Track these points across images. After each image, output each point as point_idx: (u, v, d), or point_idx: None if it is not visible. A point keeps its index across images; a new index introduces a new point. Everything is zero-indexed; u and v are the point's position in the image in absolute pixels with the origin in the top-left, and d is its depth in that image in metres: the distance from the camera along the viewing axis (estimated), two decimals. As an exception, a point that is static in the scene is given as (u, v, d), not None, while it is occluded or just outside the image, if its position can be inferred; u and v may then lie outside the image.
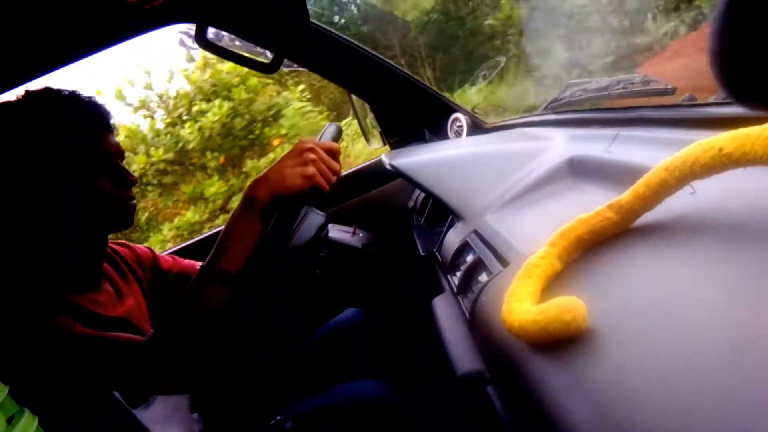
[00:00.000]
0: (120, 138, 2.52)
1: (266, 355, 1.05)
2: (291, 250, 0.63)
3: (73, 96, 0.66)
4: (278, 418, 0.81)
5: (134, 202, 0.70)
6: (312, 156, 0.60)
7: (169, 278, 0.85)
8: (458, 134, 1.23)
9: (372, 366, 1.00)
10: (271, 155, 3.51)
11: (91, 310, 0.65)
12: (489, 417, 0.52)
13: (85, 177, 0.64)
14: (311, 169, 0.59)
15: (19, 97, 0.64)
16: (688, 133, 0.55)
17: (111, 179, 0.66)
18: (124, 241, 0.84)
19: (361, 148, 3.63)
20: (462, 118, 1.22)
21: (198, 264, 0.89)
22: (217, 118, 3.34)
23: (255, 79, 3.48)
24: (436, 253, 0.90)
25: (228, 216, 0.71)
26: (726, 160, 0.33)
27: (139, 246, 0.86)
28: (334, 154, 0.63)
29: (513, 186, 0.76)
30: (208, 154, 3.42)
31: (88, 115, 0.66)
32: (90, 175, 0.64)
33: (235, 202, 2.60)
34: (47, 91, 0.65)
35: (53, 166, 0.62)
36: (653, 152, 0.53)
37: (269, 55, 1.11)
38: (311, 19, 1.08)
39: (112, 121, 0.69)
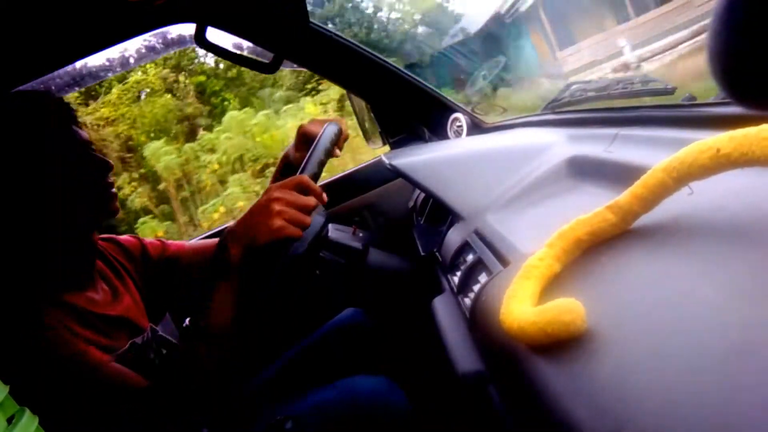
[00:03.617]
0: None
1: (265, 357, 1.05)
2: (290, 254, 0.63)
3: (34, 92, 0.66)
4: (278, 417, 0.81)
5: (114, 190, 0.70)
6: (278, 207, 0.57)
7: (160, 265, 0.84)
8: (458, 134, 1.23)
9: (372, 366, 0.99)
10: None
11: (90, 311, 0.64)
12: (489, 417, 0.52)
13: (67, 170, 0.64)
14: (278, 222, 0.56)
15: None
16: (688, 133, 0.55)
17: (91, 168, 0.66)
18: (108, 236, 0.83)
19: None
20: (462, 118, 1.22)
21: (186, 244, 0.89)
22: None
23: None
24: (437, 253, 0.90)
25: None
26: (724, 160, 0.33)
27: (124, 237, 0.85)
28: (305, 188, 0.60)
29: (513, 186, 0.76)
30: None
31: (54, 108, 0.66)
32: (72, 167, 0.64)
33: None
34: (10, 92, 0.65)
35: (36, 162, 0.62)
36: (653, 152, 0.53)
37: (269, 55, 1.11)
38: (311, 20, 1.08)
39: (74, 112, 0.68)
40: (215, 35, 1.06)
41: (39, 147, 0.62)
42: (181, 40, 1.21)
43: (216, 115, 5.90)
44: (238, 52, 1.15)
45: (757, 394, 0.23)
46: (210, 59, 6.16)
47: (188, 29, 1.08)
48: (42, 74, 0.94)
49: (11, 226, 0.63)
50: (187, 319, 0.60)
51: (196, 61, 6.21)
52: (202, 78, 6.14)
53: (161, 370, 0.62)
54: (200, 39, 1.04)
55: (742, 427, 0.22)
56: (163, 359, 0.69)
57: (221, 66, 6.18)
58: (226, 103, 6.02)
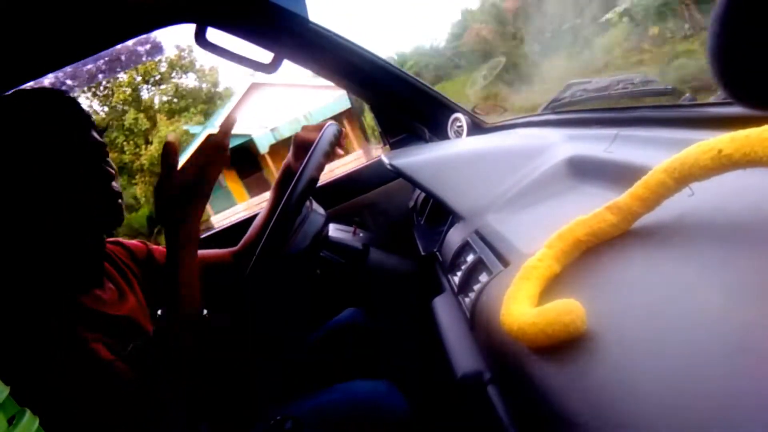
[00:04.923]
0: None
1: (268, 356, 1.06)
2: (292, 252, 0.63)
3: (57, 93, 0.66)
4: (278, 417, 0.81)
5: (122, 199, 0.70)
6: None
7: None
8: (458, 134, 1.23)
9: (372, 366, 1.00)
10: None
11: (96, 310, 0.65)
12: (489, 417, 0.52)
13: (80, 172, 0.64)
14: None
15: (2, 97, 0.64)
16: (688, 133, 0.55)
17: (102, 174, 0.67)
18: (116, 239, 0.84)
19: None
20: (462, 118, 1.21)
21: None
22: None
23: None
24: (437, 253, 0.90)
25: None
26: (725, 161, 0.33)
27: (132, 241, 0.86)
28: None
29: (513, 186, 0.76)
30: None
31: (73, 111, 0.66)
32: (84, 170, 0.64)
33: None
34: (32, 91, 0.66)
35: (48, 162, 0.62)
36: (653, 152, 0.53)
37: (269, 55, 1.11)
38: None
39: (92, 117, 0.69)
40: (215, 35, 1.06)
41: (47, 146, 0.62)
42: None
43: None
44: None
45: (756, 394, 0.23)
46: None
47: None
48: (42, 74, 0.95)
49: (18, 227, 0.64)
50: (159, 311, 0.62)
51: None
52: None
53: (141, 354, 0.63)
54: (200, 39, 1.04)
55: (742, 426, 0.22)
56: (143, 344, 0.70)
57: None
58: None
